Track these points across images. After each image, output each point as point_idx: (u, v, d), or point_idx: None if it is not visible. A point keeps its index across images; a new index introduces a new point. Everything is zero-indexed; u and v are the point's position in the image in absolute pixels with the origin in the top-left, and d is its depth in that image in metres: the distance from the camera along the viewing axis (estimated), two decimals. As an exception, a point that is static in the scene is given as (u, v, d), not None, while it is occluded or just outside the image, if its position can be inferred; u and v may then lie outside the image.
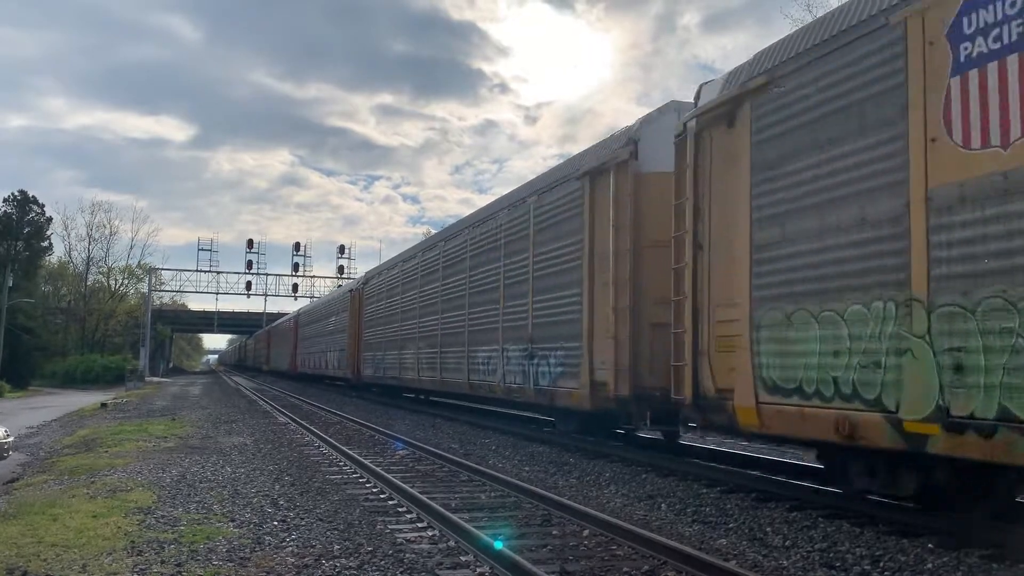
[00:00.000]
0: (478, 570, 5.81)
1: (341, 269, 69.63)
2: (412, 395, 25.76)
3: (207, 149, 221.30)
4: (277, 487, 9.38)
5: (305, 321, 46.53)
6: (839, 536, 6.66)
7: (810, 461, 9.71)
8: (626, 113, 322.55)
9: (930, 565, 5.78)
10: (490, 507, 8.20)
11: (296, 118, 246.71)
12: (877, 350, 6.53)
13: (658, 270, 10.17)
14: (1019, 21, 5.58)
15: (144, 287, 70.01)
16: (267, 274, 69.41)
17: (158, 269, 71.72)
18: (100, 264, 70.99)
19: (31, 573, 5.70)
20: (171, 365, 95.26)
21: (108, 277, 72.18)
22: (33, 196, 55.77)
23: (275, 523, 7.37)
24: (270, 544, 6.57)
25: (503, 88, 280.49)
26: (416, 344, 21.19)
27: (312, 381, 44.95)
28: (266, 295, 70.17)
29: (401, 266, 24.20)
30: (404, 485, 8.88)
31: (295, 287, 69.25)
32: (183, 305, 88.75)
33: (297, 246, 70.17)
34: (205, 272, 67.61)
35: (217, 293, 69.30)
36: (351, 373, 30.21)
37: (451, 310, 18.35)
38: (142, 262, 71.73)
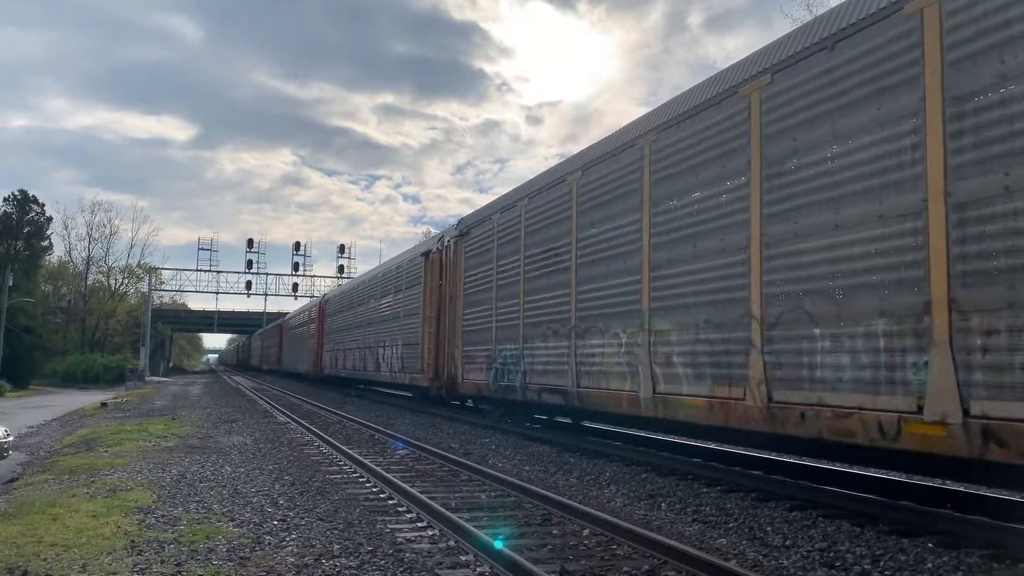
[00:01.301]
0: (478, 570, 5.81)
1: (341, 269, 69.72)
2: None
3: (209, 149, 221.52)
4: (277, 486, 9.38)
5: (337, 307, 34.77)
6: (839, 536, 6.67)
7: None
8: (628, 114, 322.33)
9: (930, 565, 5.78)
10: (490, 506, 8.20)
11: (298, 118, 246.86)
12: None
13: None
14: None
15: (144, 286, 70.04)
16: (267, 274, 69.60)
17: (158, 269, 71.77)
18: (100, 264, 71.09)
19: (31, 573, 5.70)
20: (171, 364, 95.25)
21: (108, 277, 72.24)
22: (33, 196, 55.92)
23: (275, 522, 7.37)
24: (270, 544, 6.57)
25: (505, 88, 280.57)
26: (640, 321, 10.06)
27: (343, 386, 35.10)
28: (266, 295, 70.30)
29: (579, 178, 12.01)
30: (404, 484, 8.88)
31: (295, 287, 69.35)
32: (183, 305, 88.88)
33: (297, 246, 70.35)
34: (205, 272, 67.71)
35: (217, 293, 69.43)
36: (428, 378, 19.41)
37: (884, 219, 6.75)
38: (142, 262, 71.83)
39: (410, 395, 24.06)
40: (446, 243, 19.14)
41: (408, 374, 21.51)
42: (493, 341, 15.21)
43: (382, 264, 29.41)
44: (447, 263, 18.91)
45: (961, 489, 8.02)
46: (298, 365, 46.31)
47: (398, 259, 25.67)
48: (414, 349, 20.93)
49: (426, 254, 20.70)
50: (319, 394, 32.86)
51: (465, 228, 17.68)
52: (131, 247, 73.99)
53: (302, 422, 18.04)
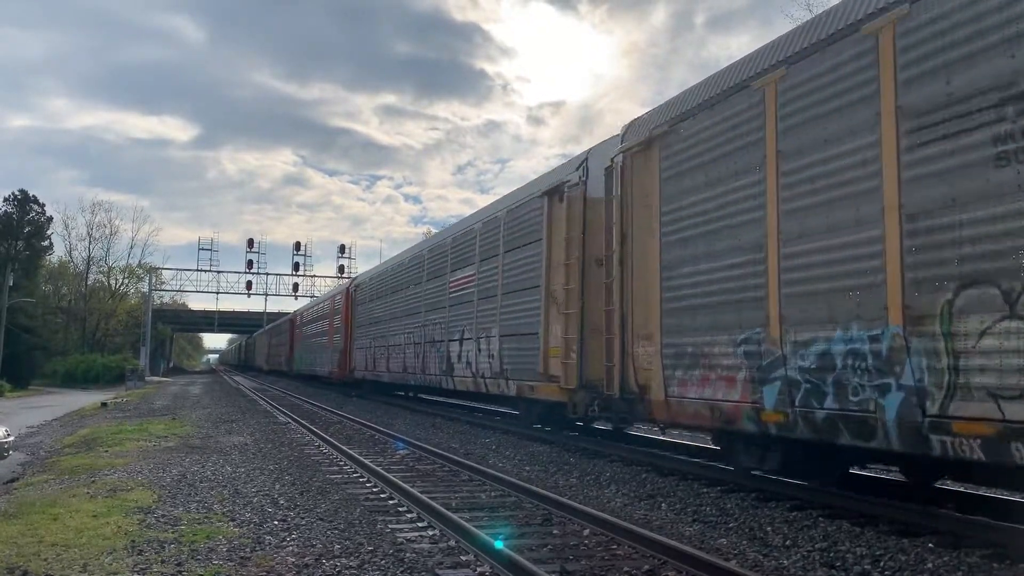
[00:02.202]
0: (478, 569, 5.81)
1: (342, 269, 69.67)
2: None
3: (210, 149, 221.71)
4: (277, 486, 9.38)
5: (374, 291, 27.37)
6: (839, 535, 6.67)
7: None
8: (628, 113, 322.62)
9: (930, 565, 5.78)
10: (490, 506, 8.20)
11: (299, 118, 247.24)
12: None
13: None
14: None
15: (144, 286, 70.12)
16: (267, 274, 69.55)
17: (158, 269, 71.84)
18: (100, 264, 71.20)
19: (31, 573, 5.70)
20: (171, 364, 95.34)
21: (108, 276, 72.37)
22: (33, 195, 56.04)
23: (275, 522, 7.37)
24: (270, 543, 6.57)
25: (506, 89, 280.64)
26: None
27: (384, 393, 27.75)
28: (267, 295, 70.29)
29: None
30: (404, 484, 8.88)
31: (295, 287, 69.34)
32: (183, 304, 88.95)
33: (298, 246, 70.28)
34: (205, 272, 67.70)
35: (217, 293, 69.41)
36: (566, 388, 12.38)
37: None
38: (143, 262, 71.90)
39: (516, 413, 16.07)
40: (599, 168, 11.82)
41: (514, 380, 14.31)
42: (769, 322, 7.79)
43: (451, 227, 21.01)
44: (599, 202, 11.82)
45: (961, 489, 8.03)
46: (316, 366, 38.61)
47: (486, 212, 17.39)
48: (526, 342, 13.88)
49: (551, 193, 13.36)
50: (320, 394, 32.84)
51: (661, 127, 9.89)
52: (131, 247, 74.00)
53: (302, 422, 18.03)
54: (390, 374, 24.26)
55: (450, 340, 18.17)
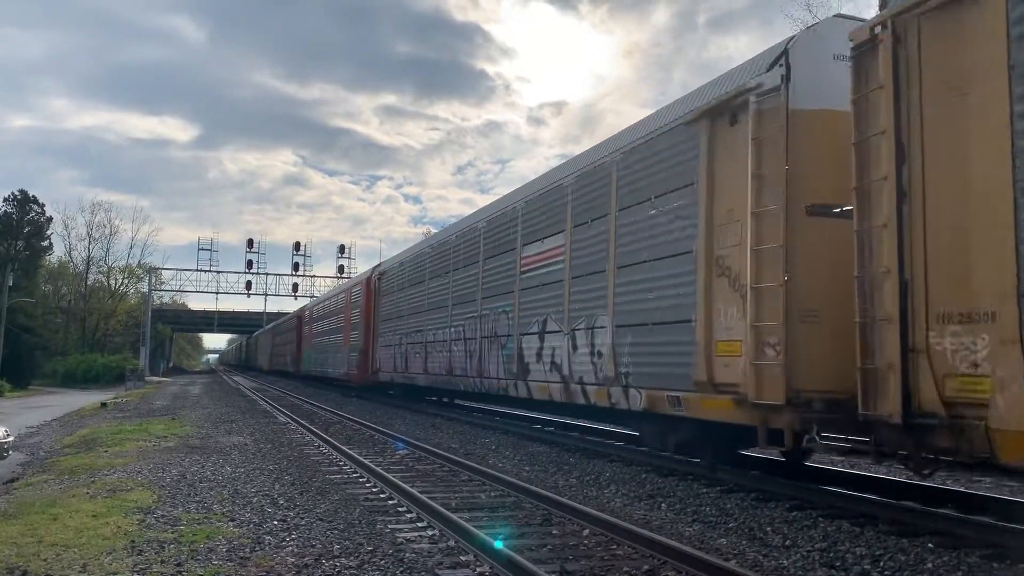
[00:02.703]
0: (478, 569, 5.81)
1: (341, 269, 69.64)
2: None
3: (210, 149, 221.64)
4: (277, 487, 9.38)
5: (406, 279, 23.12)
6: (839, 536, 6.67)
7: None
8: (629, 115, 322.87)
9: (930, 565, 5.78)
10: (490, 507, 8.20)
11: (299, 118, 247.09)
12: None
13: None
14: None
15: (144, 286, 70.14)
16: (267, 274, 69.48)
17: (158, 269, 71.83)
18: (100, 264, 71.23)
19: (31, 573, 5.70)
20: (171, 364, 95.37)
21: (108, 277, 72.38)
22: (33, 196, 56.20)
23: (275, 523, 7.37)
24: (270, 544, 6.57)
25: (507, 89, 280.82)
26: None
27: (419, 399, 23.92)
28: (266, 295, 70.21)
29: None
30: (404, 485, 8.88)
31: (295, 287, 69.31)
32: (183, 305, 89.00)
33: (297, 246, 70.20)
34: (205, 272, 67.68)
35: (217, 293, 69.35)
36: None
37: None
38: (142, 262, 71.90)
39: (635, 434, 12.11)
40: (819, 60, 8.14)
41: (641, 389, 10.05)
42: None
43: (518, 190, 16.21)
44: (820, 115, 7.97)
45: (961, 489, 8.03)
46: (328, 367, 34.60)
47: (582, 160, 12.92)
48: (666, 334, 9.65)
49: (713, 114, 9.03)
50: (320, 395, 32.84)
51: None
52: (131, 247, 73.99)
53: (302, 422, 18.03)
54: (427, 376, 20.07)
55: (523, 334, 14.04)
